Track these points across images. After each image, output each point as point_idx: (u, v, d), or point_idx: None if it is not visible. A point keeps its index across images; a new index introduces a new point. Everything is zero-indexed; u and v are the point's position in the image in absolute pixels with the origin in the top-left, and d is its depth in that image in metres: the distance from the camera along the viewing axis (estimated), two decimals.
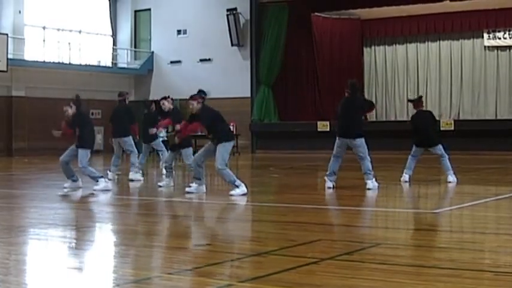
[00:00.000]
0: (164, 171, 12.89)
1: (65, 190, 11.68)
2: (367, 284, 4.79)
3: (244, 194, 10.59)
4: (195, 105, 10.84)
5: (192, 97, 10.92)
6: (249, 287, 4.77)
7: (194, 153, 12.38)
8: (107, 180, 12.04)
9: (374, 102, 12.74)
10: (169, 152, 13.11)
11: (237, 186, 10.67)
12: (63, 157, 11.85)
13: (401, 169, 12.99)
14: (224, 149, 10.68)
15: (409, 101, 13.80)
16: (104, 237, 7.57)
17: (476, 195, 11.32)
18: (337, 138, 11.65)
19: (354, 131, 11.45)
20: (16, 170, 19.87)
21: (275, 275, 5.00)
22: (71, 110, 11.85)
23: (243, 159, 24.87)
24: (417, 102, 13.09)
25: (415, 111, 13.01)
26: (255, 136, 28.70)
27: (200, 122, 10.92)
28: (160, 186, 12.34)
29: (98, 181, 11.70)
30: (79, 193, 11.54)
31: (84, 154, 11.68)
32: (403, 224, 8.37)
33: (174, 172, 13.07)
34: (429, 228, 7.73)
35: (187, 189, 11.17)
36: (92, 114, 28.42)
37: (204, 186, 11.13)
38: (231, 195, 10.52)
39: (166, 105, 12.95)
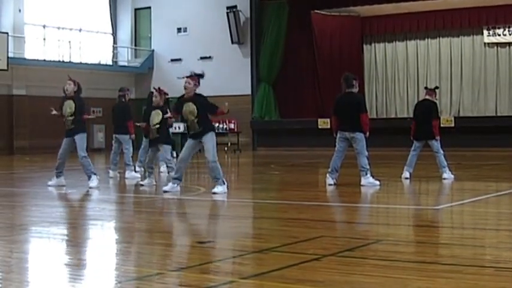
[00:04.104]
0: (142, 169, 12.75)
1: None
2: (368, 280, 4.80)
3: (225, 193, 10.44)
4: (191, 86, 10.40)
5: (189, 76, 10.46)
6: (251, 284, 4.79)
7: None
8: (98, 177, 11.95)
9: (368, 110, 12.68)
10: (149, 150, 12.73)
11: (224, 183, 10.43)
12: (64, 153, 11.82)
13: (401, 166, 12.99)
14: (213, 141, 10.40)
15: (425, 88, 13.77)
16: (106, 234, 7.58)
17: (476, 191, 11.33)
18: (338, 132, 11.63)
19: (354, 125, 11.43)
20: (17, 168, 19.89)
21: (277, 272, 5.02)
22: (71, 87, 11.78)
23: (244, 156, 24.89)
24: (429, 91, 13.00)
25: (422, 98, 13.06)
26: (255, 133, 28.72)
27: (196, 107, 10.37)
28: (142, 185, 12.07)
29: (91, 177, 11.66)
30: (80, 191, 11.56)
31: (83, 140, 11.69)
32: (404, 220, 8.38)
33: (154, 170, 12.82)
34: (430, 225, 7.74)
35: (164, 188, 10.86)
36: (93, 112, 28.47)
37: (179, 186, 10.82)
38: (215, 193, 10.29)
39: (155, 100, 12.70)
